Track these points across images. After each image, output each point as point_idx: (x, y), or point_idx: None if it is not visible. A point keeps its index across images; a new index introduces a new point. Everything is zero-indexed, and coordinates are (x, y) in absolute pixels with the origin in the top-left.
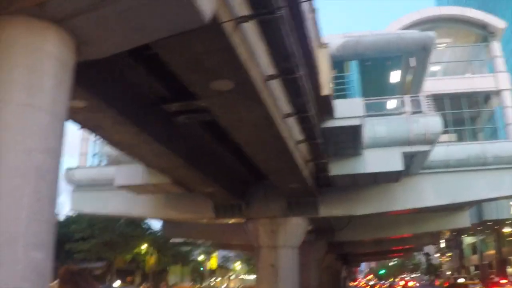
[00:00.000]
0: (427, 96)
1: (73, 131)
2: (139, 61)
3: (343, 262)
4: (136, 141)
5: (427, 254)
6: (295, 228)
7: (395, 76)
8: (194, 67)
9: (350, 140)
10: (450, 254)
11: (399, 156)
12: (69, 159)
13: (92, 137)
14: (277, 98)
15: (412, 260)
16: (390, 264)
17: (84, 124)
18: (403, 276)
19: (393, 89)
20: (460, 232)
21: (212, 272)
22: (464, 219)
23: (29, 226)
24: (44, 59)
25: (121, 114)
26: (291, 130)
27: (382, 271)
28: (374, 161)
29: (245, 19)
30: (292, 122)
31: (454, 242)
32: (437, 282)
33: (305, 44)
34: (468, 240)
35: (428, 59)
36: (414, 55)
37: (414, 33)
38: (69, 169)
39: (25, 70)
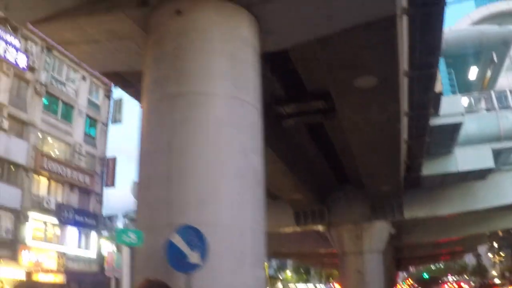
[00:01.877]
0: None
1: None
2: (267, 59)
3: (397, 267)
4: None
5: (478, 255)
6: (380, 232)
7: (474, 72)
8: (347, 63)
9: (447, 138)
10: (503, 254)
11: (490, 153)
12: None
13: None
14: (404, 95)
15: (460, 262)
16: (433, 268)
17: None
18: (449, 279)
19: (471, 86)
20: None
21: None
22: None
23: (253, 239)
24: (243, 47)
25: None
26: (403, 129)
27: (426, 275)
28: (466, 159)
29: (409, 10)
30: (404, 121)
31: (507, 241)
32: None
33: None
34: None
35: (508, 53)
36: (494, 50)
37: (494, 28)
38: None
39: (227, 58)
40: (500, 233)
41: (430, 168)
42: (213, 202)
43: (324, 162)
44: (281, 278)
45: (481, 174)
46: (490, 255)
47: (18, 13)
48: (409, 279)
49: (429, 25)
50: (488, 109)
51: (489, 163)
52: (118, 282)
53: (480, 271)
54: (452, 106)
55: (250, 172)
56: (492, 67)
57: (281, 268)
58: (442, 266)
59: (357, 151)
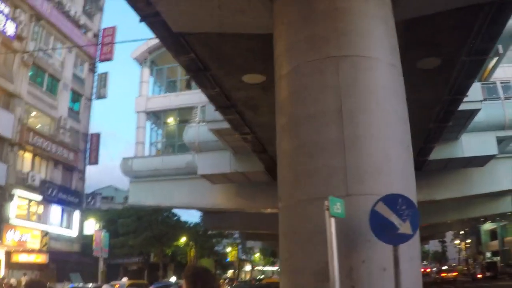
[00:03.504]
0: None
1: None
2: None
3: None
4: None
5: (442, 242)
6: None
7: None
8: (421, 43)
9: (461, 124)
10: (469, 240)
11: (494, 140)
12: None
13: (148, 124)
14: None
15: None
16: None
17: (244, 102)
18: None
19: None
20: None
21: (231, 264)
22: (506, 205)
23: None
24: (390, 14)
25: None
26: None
27: None
28: (471, 145)
29: None
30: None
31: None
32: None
33: None
34: (486, 226)
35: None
36: (501, 43)
37: None
38: (126, 159)
39: (381, 23)
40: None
41: (437, 153)
42: (387, 172)
43: None
44: (250, 260)
45: (483, 161)
46: (456, 242)
47: None
48: None
49: (502, 14)
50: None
51: (493, 150)
52: (105, 262)
53: (440, 257)
54: (471, 92)
55: (409, 140)
56: (497, 59)
57: (249, 251)
58: None
59: None
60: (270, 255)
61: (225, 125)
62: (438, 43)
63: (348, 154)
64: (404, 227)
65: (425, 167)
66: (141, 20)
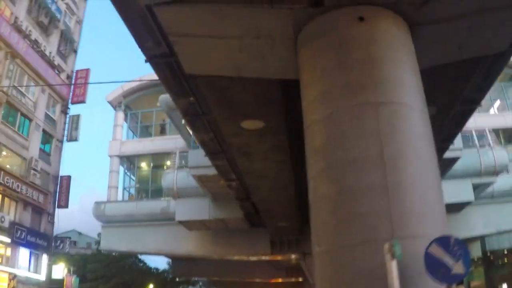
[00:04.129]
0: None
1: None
2: None
3: None
4: (273, 169)
5: None
6: None
7: None
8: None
9: (441, 171)
10: None
11: (471, 187)
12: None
13: (121, 169)
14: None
15: None
16: None
17: (238, 148)
18: None
19: None
20: None
21: None
22: (476, 250)
23: None
24: (415, 61)
25: (286, 139)
26: None
27: None
28: (449, 192)
29: None
30: None
31: None
32: None
33: None
34: None
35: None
36: None
37: None
38: (98, 204)
39: (411, 70)
40: None
41: None
42: (428, 214)
43: None
44: None
45: (459, 207)
46: None
47: None
48: None
49: (498, 65)
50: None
51: (470, 196)
52: None
53: None
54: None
55: (440, 183)
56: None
57: None
58: None
59: None
60: None
61: (209, 171)
62: (438, 93)
63: (392, 198)
64: (457, 267)
65: None
66: (146, 61)
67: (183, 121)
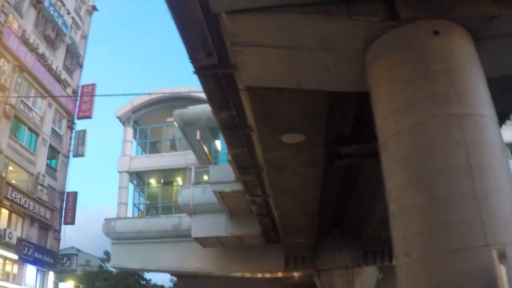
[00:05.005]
0: None
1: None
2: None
3: None
4: (301, 184)
5: None
6: (370, 277)
7: None
8: None
9: None
10: None
11: None
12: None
13: (131, 185)
14: None
15: None
16: None
17: (271, 163)
18: None
19: None
20: None
21: None
22: None
23: None
24: (483, 73)
25: (322, 153)
26: None
27: None
28: None
29: None
30: None
31: None
32: None
33: None
34: None
35: None
36: None
37: None
38: (108, 220)
39: (483, 82)
40: None
41: None
42: None
43: (334, 206)
44: None
45: None
46: None
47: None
48: None
49: None
50: None
51: None
52: None
53: None
54: None
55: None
56: None
57: None
58: None
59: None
60: None
61: (230, 187)
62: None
63: (482, 205)
64: None
65: None
66: (195, 72)
67: (198, 137)
